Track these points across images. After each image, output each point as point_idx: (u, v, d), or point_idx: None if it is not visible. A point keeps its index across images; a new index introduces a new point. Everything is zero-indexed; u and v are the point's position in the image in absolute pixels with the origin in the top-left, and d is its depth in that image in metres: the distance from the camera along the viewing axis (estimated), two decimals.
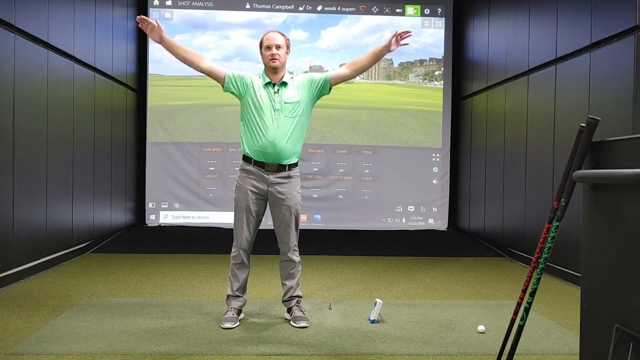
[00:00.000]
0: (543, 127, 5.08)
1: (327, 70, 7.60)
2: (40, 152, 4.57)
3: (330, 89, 3.28)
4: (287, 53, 3.26)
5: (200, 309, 3.52)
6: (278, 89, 3.21)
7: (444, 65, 7.62)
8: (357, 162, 7.52)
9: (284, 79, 3.23)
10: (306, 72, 7.60)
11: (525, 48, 5.49)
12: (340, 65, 3.26)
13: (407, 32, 3.15)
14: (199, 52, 3.18)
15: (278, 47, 3.19)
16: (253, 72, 3.33)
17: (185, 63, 3.20)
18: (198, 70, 3.22)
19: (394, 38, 3.13)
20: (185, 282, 4.40)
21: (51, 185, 4.76)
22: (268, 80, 3.22)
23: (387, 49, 3.16)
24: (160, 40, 3.13)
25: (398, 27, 8.16)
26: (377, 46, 3.21)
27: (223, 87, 3.25)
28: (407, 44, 3.19)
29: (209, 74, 3.23)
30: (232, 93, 3.26)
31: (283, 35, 3.27)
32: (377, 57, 3.25)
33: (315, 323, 3.24)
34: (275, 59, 3.18)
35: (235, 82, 3.23)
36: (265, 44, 3.22)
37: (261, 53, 3.26)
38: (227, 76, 3.22)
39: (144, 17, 3.11)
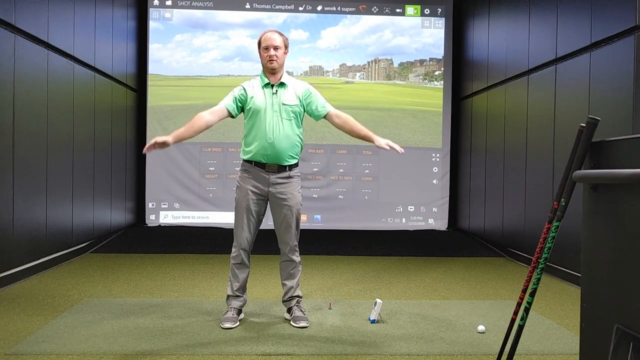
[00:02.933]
0: (543, 127, 5.08)
1: (327, 71, 7.61)
2: (40, 152, 4.57)
3: (319, 119, 3.32)
4: (285, 53, 3.26)
5: (200, 309, 3.52)
6: (277, 90, 3.21)
7: (444, 65, 7.61)
8: (357, 162, 7.52)
9: (282, 80, 3.24)
10: (306, 72, 7.60)
11: (525, 48, 5.49)
12: (339, 108, 3.23)
13: (399, 150, 3.11)
14: (195, 115, 3.11)
15: (276, 48, 3.19)
16: (250, 80, 3.32)
17: (199, 133, 3.16)
18: (211, 127, 3.19)
19: (386, 145, 3.11)
20: (185, 282, 4.40)
21: (51, 185, 4.76)
22: (267, 81, 3.23)
23: (374, 143, 3.14)
24: (171, 143, 3.02)
25: (398, 27, 8.11)
26: (369, 132, 3.19)
27: (233, 117, 3.24)
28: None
29: (219, 120, 3.20)
30: (243, 112, 3.26)
31: (281, 35, 3.26)
32: (362, 138, 3.23)
33: (315, 323, 3.24)
34: (274, 60, 3.18)
35: (238, 103, 3.22)
36: (263, 44, 3.22)
37: (259, 52, 3.26)
38: (227, 107, 3.20)
39: (148, 145, 3.02)
